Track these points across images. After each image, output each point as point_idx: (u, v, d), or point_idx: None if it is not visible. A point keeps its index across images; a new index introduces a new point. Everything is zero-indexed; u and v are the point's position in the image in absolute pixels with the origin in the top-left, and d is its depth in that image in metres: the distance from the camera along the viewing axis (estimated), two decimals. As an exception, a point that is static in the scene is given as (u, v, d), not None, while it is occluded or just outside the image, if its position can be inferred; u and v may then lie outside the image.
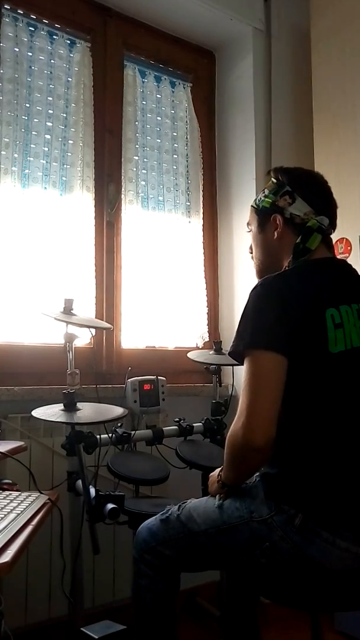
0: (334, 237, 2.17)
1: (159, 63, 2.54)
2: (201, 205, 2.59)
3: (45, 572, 1.84)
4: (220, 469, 1.34)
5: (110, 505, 1.53)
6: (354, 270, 1.37)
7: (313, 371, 1.19)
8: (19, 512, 1.13)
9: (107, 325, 2.04)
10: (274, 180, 1.41)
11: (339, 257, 2.15)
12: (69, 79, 2.22)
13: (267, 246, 1.41)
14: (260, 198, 1.42)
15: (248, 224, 1.48)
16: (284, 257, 1.37)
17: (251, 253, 1.49)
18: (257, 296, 1.23)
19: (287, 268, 1.34)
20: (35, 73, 2.13)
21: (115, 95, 2.36)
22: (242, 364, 1.21)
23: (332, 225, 1.38)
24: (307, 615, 1.59)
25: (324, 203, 1.38)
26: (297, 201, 1.35)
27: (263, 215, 1.41)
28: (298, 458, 1.20)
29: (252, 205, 1.46)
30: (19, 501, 1.21)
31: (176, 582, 1.37)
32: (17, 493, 1.28)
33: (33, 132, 2.10)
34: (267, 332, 1.18)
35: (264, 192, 1.42)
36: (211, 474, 1.39)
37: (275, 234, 1.37)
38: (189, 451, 1.92)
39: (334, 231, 1.39)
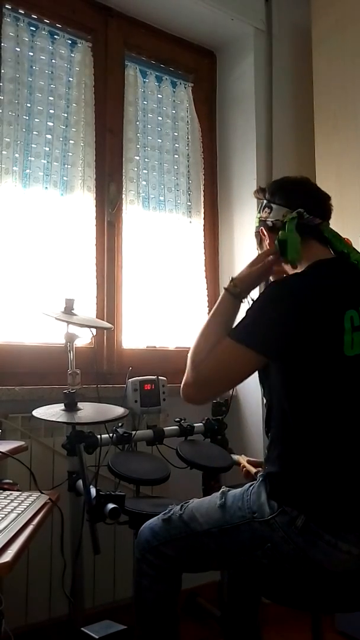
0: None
1: (160, 63, 2.54)
2: (202, 205, 2.59)
3: (45, 572, 1.84)
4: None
5: (110, 505, 1.52)
6: None
7: (326, 374, 1.19)
8: (20, 512, 1.13)
9: (108, 325, 2.03)
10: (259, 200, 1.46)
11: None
12: (70, 79, 2.22)
13: None
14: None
15: None
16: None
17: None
18: (269, 293, 1.24)
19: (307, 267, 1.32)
20: (36, 73, 2.13)
21: (116, 95, 2.36)
22: None
23: (321, 216, 1.36)
24: (308, 615, 1.59)
25: (299, 197, 1.38)
26: (273, 209, 1.39)
27: (257, 235, 1.47)
28: (303, 460, 1.19)
29: None
30: (20, 501, 1.21)
31: (178, 582, 1.37)
32: (17, 493, 1.28)
33: (34, 132, 2.10)
34: (259, 332, 1.19)
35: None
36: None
37: (268, 245, 1.40)
38: (190, 451, 1.91)
39: (323, 220, 1.37)
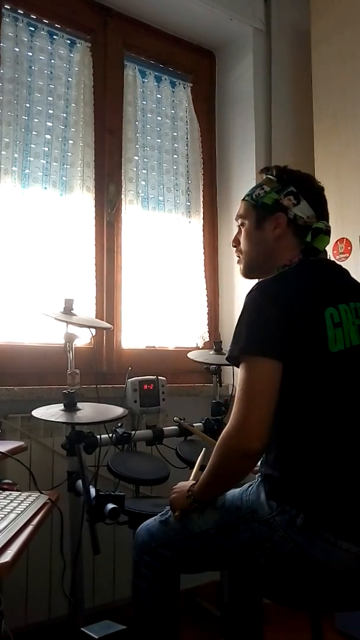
0: (333, 237, 2.20)
1: (159, 63, 2.55)
2: (201, 205, 2.59)
3: (45, 572, 1.84)
4: (190, 483, 1.32)
5: (110, 505, 1.52)
6: (346, 271, 1.38)
7: (313, 371, 1.19)
8: (19, 512, 1.13)
9: (107, 325, 2.04)
10: (274, 179, 1.38)
11: (338, 257, 2.16)
12: (69, 79, 2.22)
13: (262, 244, 1.38)
14: (259, 193, 1.38)
15: (240, 217, 1.43)
16: (277, 257, 1.35)
17: (235, 247, 1.46)
18: (252, 300, 1.22)
19: (287, 268, 1.33)
20: (35, 73, 2.13)
21: (115, 95, 2.36)
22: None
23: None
24: (308, 615, 1.59)
25: (323, 210, 1.38)
26: (302, 203, 1.34)
27: (263, 211, 1.37)
28: (300, 459, 1.19)
29: (247, 200, 1.41)
30: (19, 501, 1.20)
31: (176, 584, 1.37)
32: (17, 493, 1.28)
33: (33, 132, 2.10)
34: (263, 338, 1.18)
35: (262, 188, 1.38)
36: (176, 486, 1.37)
37: (275, 233, 1.35)
38: (189, 451, 1.91)
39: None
